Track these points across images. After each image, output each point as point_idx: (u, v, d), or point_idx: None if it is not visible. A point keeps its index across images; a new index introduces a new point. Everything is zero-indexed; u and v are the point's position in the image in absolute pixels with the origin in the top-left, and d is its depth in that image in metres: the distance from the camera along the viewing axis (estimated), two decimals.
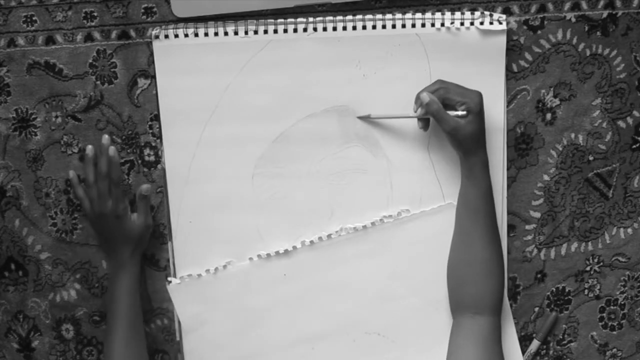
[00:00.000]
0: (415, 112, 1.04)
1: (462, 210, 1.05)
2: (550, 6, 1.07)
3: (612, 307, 1.15)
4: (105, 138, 1.05)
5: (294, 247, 1.08)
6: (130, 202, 1.07)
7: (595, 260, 1.14)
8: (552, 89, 1.09)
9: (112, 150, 1.04)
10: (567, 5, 1.07)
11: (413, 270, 1.09)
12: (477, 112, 1.00)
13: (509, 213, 1.10)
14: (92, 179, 1.04)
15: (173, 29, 1.05)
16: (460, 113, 1.00)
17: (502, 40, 1.06)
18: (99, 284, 1.11)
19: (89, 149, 1.05)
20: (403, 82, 1.06)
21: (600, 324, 1.15)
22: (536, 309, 1.14)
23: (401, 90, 1.06)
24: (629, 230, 1.13)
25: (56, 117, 1.07)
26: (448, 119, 1.00)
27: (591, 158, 1.11)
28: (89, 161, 1.05)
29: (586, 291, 1.14)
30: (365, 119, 1.06)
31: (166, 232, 1.09)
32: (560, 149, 1.10)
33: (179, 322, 1.10)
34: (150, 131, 1.08)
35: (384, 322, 1.10)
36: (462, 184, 1.05)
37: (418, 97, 1.03)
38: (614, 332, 1.16)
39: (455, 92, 1.01)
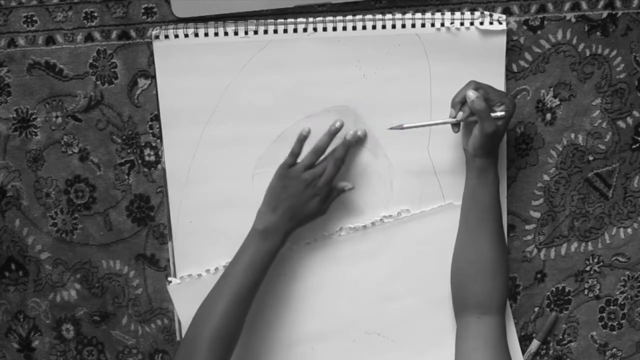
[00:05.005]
0: (454, 117, 1.00)
1: (470, 209, 1.03)
2: (550, 6, 1.07)
3: (612, 307, 1.15)
4: (351, 134, 1.04)
5: (294, 247, 1.08)
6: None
7: (595, 260, 1.13)
8: (552, 89, 1.09)
9: (362, 131, 1.05)
10: (567, 6, 1.07)
11: (413, 270, 1.09)
12: (512, 114, 0.99)
13: (509, 213, 1.10)
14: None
15: (173, 29, 1.05)
16: (499, 114, 0.98)
17: (502, 40, 1.05)
18: (99, 284, 1.11)
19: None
20: (403, 82, 1.06)
21: (600, 324, 1.15)
22: (536, 309, 1.14)
23: (401, 90, 1.06)
24: (629, 230, 1.13)
25: (56, 117, 1.07)
26: (492, 120, 0.97)
27: (591, 158, 1.11)
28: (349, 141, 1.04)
29: (586, 291, 1.14)
30: (397, 129, 1.02)
31: (166, 232, 1.09)
32: (560, 149, 1.10)
33: (179, 322, 1.10)
34: (150, 131, 1.08)
35: (384, 322, 1.10)
36: (471, 184, 1.02)
37: (456, 102, 1.00)
38: (614, 332, 1.16)
39: (494, 93, 0.99)
